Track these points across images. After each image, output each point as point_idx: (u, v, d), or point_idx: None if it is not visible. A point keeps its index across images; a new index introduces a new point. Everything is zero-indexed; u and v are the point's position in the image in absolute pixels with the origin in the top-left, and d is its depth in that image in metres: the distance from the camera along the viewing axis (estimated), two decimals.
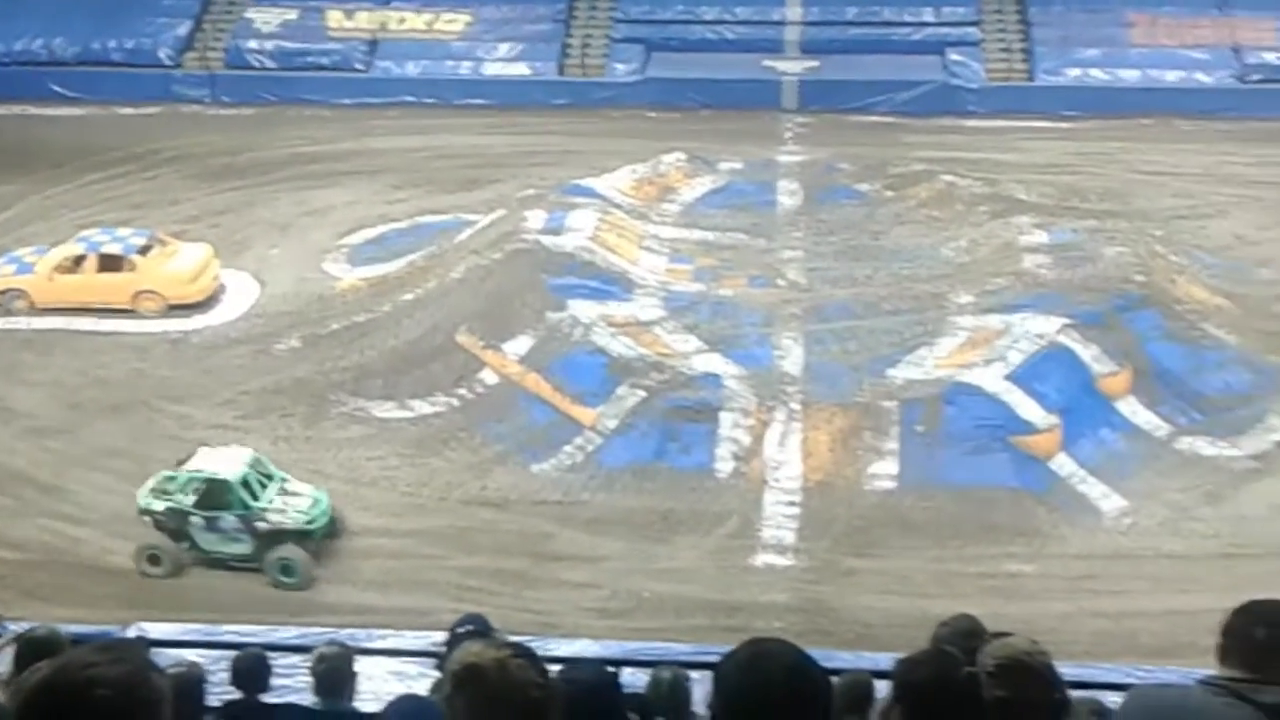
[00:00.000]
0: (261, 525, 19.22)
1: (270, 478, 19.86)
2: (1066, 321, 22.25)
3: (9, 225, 30.26)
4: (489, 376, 22.78)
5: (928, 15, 38.70)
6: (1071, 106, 35.98)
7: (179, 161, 33.95)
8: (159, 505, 19.52)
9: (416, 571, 19.11)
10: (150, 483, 19.84)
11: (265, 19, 40.01)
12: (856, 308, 24.14)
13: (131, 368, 24.30)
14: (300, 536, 19.28)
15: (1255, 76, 36.49)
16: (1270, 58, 36.60)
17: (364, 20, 39.72)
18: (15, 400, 23.53)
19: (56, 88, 38.36)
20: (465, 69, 38.68)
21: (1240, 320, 24.19)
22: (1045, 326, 22.19)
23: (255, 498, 19.36)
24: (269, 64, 38.88)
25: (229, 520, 19.31)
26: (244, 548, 19.36)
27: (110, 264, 25.88)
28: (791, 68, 37.62)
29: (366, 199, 31.20)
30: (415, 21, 39.69)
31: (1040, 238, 25.71)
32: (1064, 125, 35.22)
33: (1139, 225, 27.19)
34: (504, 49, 38.91)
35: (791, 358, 22.65)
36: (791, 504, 19.97)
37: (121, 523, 20.00)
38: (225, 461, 19.85)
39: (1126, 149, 33.27)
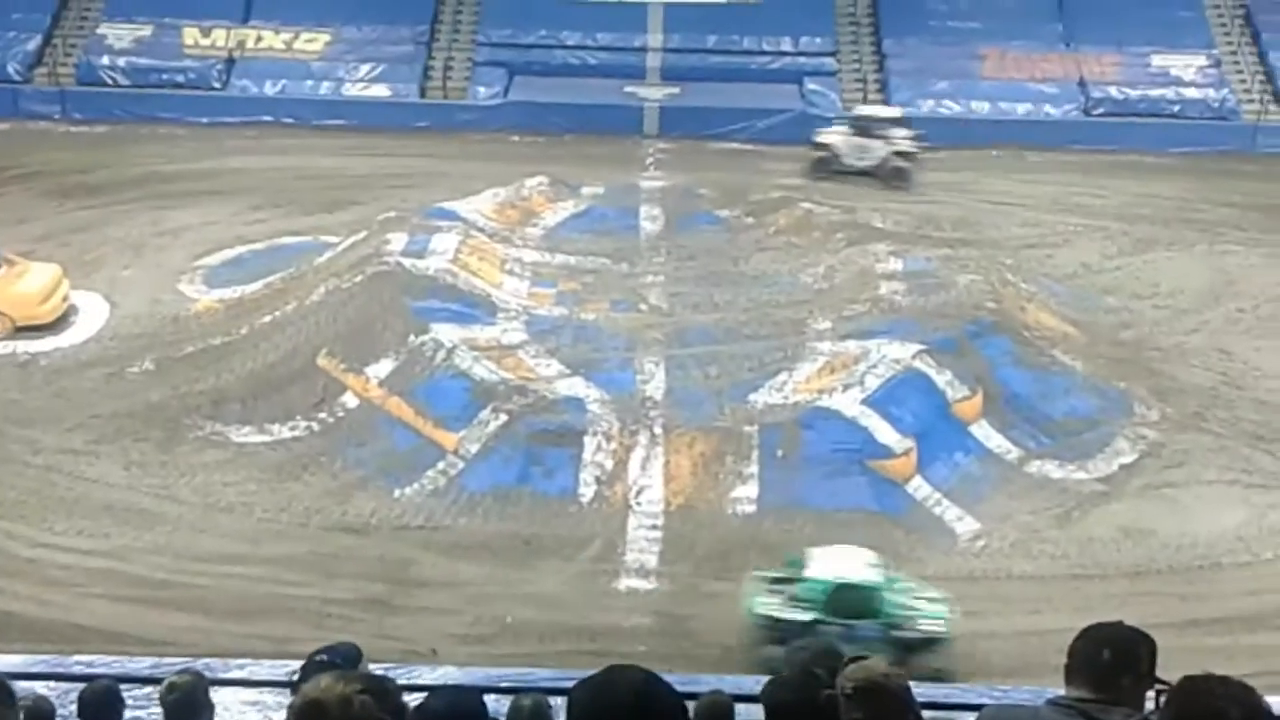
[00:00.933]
0: (904, 635, 17.04)
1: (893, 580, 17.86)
2: (921, 347, 22.72)
3: None
4: (350, 400, 22.54)
5: (786, 45, 39.45)
6: (925, 137, 36.79)
7: (28, 179, 33.12)
8: (779, 614, 17.29)
9: (275, 599, 18.78)
10: (759, 586, 17.78)
11: (119, 35, 39.28)
12: (718, 333, 24.39)
13: None
14: (938, 644, 17.13)
15: (1099, 110, 37.79)
16: (1114, 91, 37.93)
17: (221, 38, 39.19)
18: None
19: None
20: (325, 89, 38.42)
21: (1087, 347, 24.97)
22: (901, 352, 22.63)
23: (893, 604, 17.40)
24: (122, 81, 38.19)
25: (870, 630, 17.00)
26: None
27: None
28: (653, 94, 37.99)
29: (223, 219, 30.72)
30: (274, 40, 39.29)
31: (896, 265, 26.26)
32: (919, 155, 35.99)
33: (990, 253, 27.97)
34: (365, 70, 38.71)
35: (654, 382, 22.80)
36: (654, 528, 20.07)
37: None
38: (853, 565, 17.79)
39: (977, 179, 34.23)
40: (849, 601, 17.19)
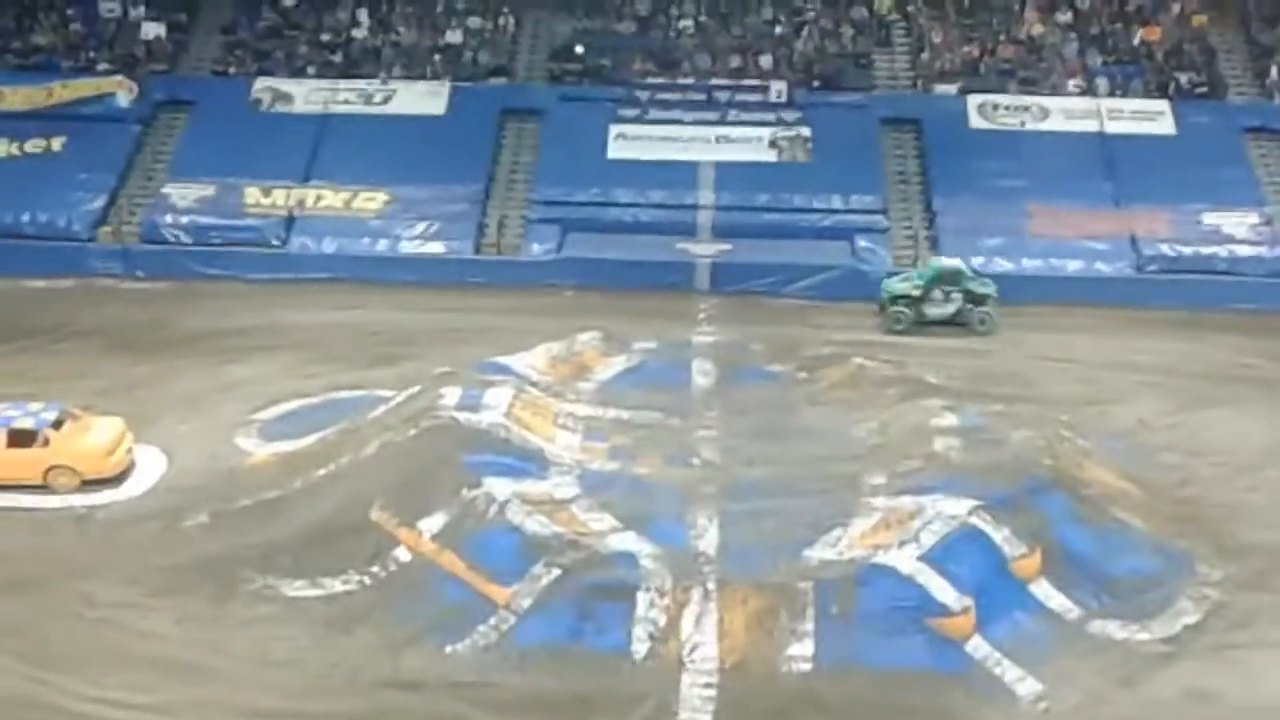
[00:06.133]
0: (971, 289, 35.03)
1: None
2: (978, 504, 22.43)
3: None
4: (402, 554, 22.48)
5: (836, 203, 39.94)
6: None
7: (89, 335, 33.78)
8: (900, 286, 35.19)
9: None
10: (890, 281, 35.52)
11: (183, 194, 40.31)
12: (771, 488, 24.22)
13: (33, 543, 23.67)
14: (988, 297, 34.94)
15: (1152, 267, 37.86)
16: (1165, 249, 38.04)
17: (282, 197, 40.11)
18: None
19: None
20: (382, 246, 39.14)
21: (1146, 504, 24.62)
22: (957, 508, 22.36)
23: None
24: (185, 238, 39.05)
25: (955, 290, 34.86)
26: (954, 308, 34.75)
27: (22, 439, 25.32)
28: (704, 250, 38.43)
29: (280, 374, 31.10)
30: (333, 199, 40.17)
31: (950, 420, 26.09)
32: None
33: (1045, 409, 27.75)
34: (421, 227, 39.45)
35: (707, 537, 22.62)
36: (708, 686, 19.74)
37: (18, 706, 19.27)
38: (949, 260, 35.82)
39: (1029, 335, 34.29)
40: (946, 275, 34.93)
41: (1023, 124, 42.21)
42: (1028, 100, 42.78)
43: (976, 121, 42.32)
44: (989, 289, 35.44)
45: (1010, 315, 35.19)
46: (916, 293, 35.11)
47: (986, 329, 34.89)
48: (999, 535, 21.99)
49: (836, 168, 40.50)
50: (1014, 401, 28.08)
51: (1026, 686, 19.83)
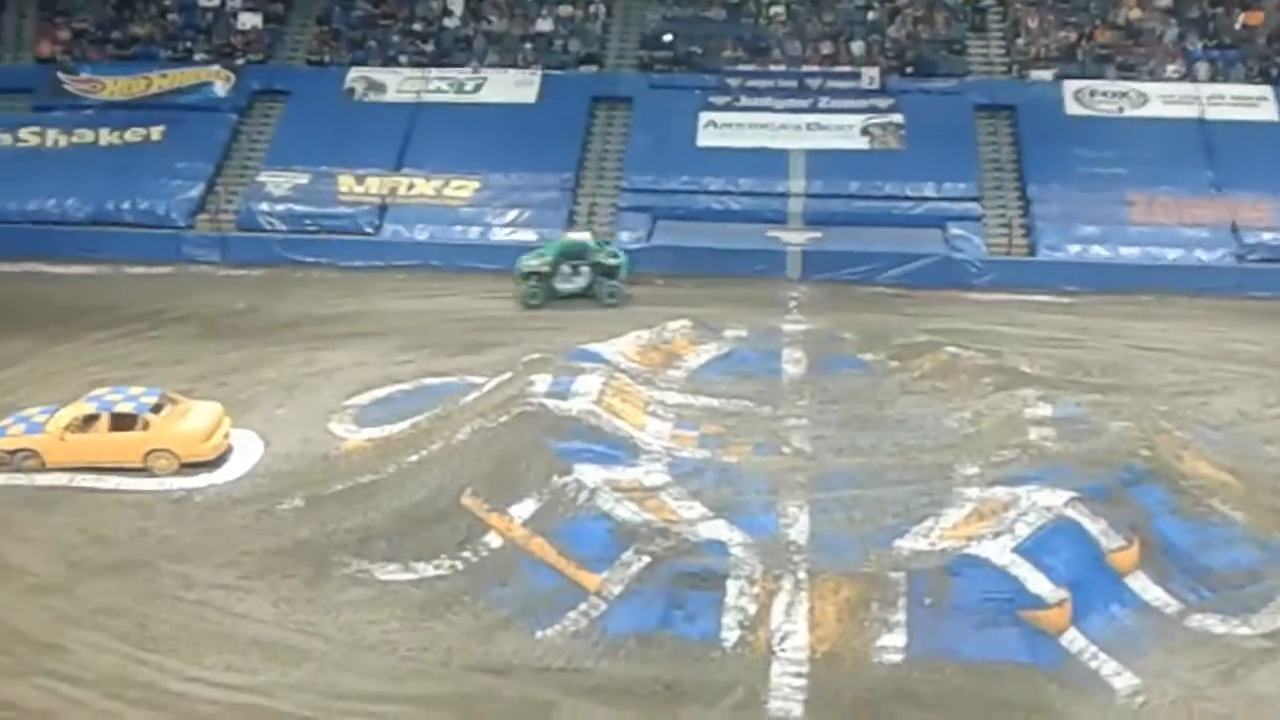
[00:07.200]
0: (600, 262, 35.34)
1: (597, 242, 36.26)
2: (1073, 495, 22.11)
3: (14, 382, 30.41)
4: (493, 539, 22.62)
5: (929, 190, 39.53)
6: (1072, 281, 36.55)
7: (187, 321, 34.33)
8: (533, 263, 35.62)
9: None
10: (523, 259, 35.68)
11: (278, 182, 40.83)
12: (862, 477, 24.06)
13: (133, 526, 24.11)
14: (618, 268, 35.52)
15: (1254, 255, 37.09)
16: (1268, 237, 37.30)
17: (375, 185, 40.50)
18: (14, 557, 23.26)
19: (68, 247, 38.88)
20: (473, 234, 39.35)
21: (1246, 497, 24.06)
22: (1052, 499, 22.05)
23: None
24: (280, 226, 39.55)
25: (584, 262, 35.23)
26: (584, 281, 35.09)
27: (123, 423, 25.82)
28: (795, 238, 38.22)
29: (373, 360, 31.40)
30: (425, 187, 40.50)
31: (1045, 410, 25.73)
32: (1065, 300, 35.76)
33: (1142, 400, 27.27)
34: (511, 215, 39.68)
35: (797, 526, 22.51)
36: (798, 675, 19.63)
37: (119, 685, 19.67)
38: (576, 235, 36.79)
39: (1127, 324, 33.72)
40: (572, 250, 35.26)
41: (1120, 110, 41.51)
42: (1125, 86, 42.06)
43: (1073, 108, 41.70)
44: (619, 260, 35.92)
45: (1108, 304, 34.68)
46: (546, 269, 35.47)
47: (616, 301, 35.28)
48: (1095, 527, 21.65)
49: (929, 155, 40.11)
50: (1111, 391, 27.60)
51: (1123, 681, 19.49)
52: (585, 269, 35.53)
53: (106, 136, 42.65)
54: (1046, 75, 43.00)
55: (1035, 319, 34.32)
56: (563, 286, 35.51)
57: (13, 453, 25.95)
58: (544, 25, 45.76)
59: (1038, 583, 20.50)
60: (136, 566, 22.78)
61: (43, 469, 25.79)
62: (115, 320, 34.15)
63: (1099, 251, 37.48)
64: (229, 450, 26.55)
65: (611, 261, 35.90)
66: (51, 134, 42.98)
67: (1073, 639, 20.08)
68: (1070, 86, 42.18)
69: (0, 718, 19.05)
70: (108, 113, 43.47)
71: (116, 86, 44.19)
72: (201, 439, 26.10)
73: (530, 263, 35.87)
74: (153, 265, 38.47)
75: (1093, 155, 39.91)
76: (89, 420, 25.92)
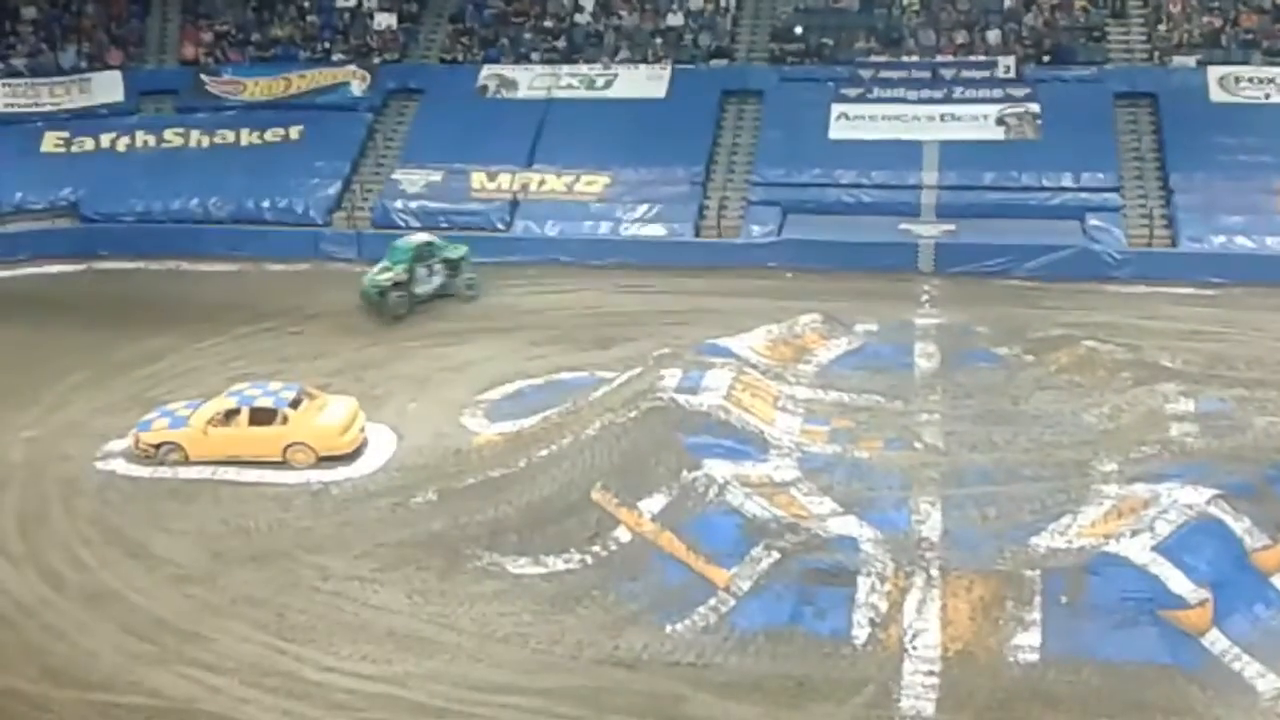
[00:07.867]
0: (447, 257, 35.55)
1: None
2: (1216, 492, 21.53)
3: (160, 376, 31.25)
4: (623, 534, 22.70)
5: (1067, 181, 38.76)
6: (1216, 273, 35.55)
7: (324, 317, 34.96)
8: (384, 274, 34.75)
9: None
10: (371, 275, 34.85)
11: (412, 180, 41.39)
12: (996, 473, 23.69)
13: (273, 518, 24.66)
14: (463, 260, 35.87)
15: None
16: None
17: (506, 182, 40.85)
18: (159, 547, 23.95)
19: (210, 245, 39.85)
20: (604, 229, 39.46)
21: None
22: (1194, 497, 21.50)
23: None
24: (414, 223, 40.02)
25: (436, 261, 35.26)
26: (440, 280, 35.12)
27: (263, 417, 26.42)
28: (928, 231, 37.72)
29: (504, 355, 31.69)
30: (556, 183, 40.73)
31: (1187, 406, 25.10)
32: (1208, 292, 34.81)
33: None
34: (641, 210, 39.68)
35: (930, 523, 22.24)
36: (931, 674, 19.41)
37: (258, 673, 20.14)
38: (419, 235, 36.40)
39: (1273, 317, 32.66)
40: (420, 252, 35.17)
41: (1267, 97, 40.24)
42: (1272, 71, 40.77)
43: (1217, 95, 40.54)
44: (461, 251, 36.13)
45: (1253, 296, 33.66)
46: (404, 276, 34.93)
47: (475, 294, 35.85)
48: (1239, 526, 21.08)
49: (1067, 145, 39.31)
50: (1256, 386, 26.78)
51: (1267, 683, 18.98)
52: (438, 267, 35.58)
53: (247, 136, 43.63)
54: (1190, 61, 41.83)
55: (1177, 312, 33.45)
56: (422, 290, 35.29)
57: (158, 446, 26.70)
58: (674, 20, 45.73)
59: (1178, 582, 20.03)
60: (275, 557, 23.32)
61: (186, 462, 26.49)
62: (256, 316, 34.92)
63: (1243, 242, 36.38)
64: (364, 444, 27.01)
65: (455, 255, 36.03)
66: (195, 134, 44.06)
67: (1214, 640, 19.59)
68: (1214, 73, 41.02)
69: (144, 704, 19.65)
70: (248, 113, 44.47)
71: (257, 87, 45.20)
72: (338, 433, 26.59)
73: (384, 276, 34.95)
74: (292, 262, 39.24)
75: (1237, 143, 38.77)
76: (230, 415, 26.56)
